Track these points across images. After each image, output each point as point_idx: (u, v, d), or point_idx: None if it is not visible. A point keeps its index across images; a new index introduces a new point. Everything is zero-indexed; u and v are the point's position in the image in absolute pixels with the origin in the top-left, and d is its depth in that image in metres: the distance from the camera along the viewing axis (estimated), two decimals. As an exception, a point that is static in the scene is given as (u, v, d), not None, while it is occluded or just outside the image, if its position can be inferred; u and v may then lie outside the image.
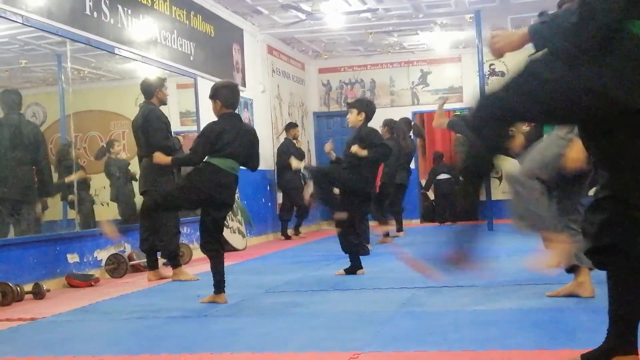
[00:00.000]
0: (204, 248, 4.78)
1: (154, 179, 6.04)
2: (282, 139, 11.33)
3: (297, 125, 11.31)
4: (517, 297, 4.32)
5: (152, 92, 6.19)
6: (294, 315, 4.16)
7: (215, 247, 4.70)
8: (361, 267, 5.87)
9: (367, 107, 6.03)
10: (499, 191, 12.28)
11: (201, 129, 8.64)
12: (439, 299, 4.45)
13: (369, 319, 3.91)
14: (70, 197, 6.75)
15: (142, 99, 6.27)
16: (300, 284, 5.34)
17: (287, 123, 11.41)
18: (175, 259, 6.15)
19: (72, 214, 6.76)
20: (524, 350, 2.97)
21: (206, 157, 4.70)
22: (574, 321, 3.56)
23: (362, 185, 5.91)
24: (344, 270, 5.89)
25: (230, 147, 4.66)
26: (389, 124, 8.84)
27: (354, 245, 5.93)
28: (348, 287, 5.15)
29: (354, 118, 5.97)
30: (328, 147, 6.62)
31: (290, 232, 10.96)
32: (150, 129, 6.00)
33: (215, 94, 4.79)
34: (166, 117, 6.21)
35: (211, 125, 4.76)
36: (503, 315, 3.80)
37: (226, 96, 4.79)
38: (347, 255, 5.92)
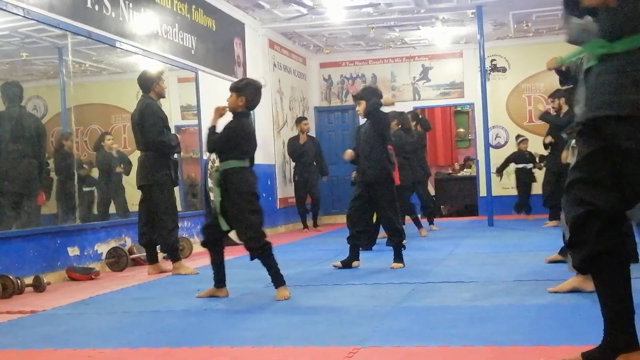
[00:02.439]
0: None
1: (151, 173, 6.04)
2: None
3: (304, 119, 11.68)
4: (517, 293, 4.32)
5: (149, 86, 6.18)
6: (293, 309, 4.16)
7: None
8: (357, 259, 6.00)
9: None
10: (500, 187, 12.30)
11: (199, 122, 8.77)
12: (438, 294, 4.46)
13: (368, 314, 3.91)
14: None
15: (143, 92, 6.26)
16: (300, 279, 5.35)
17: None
18: (175, 253, 6.15)
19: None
20: (523, 346, 2.97)
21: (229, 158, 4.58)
22: (573, 317, 3.56)
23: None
24: (341, 262, 6.00)
25: (252, 150, 4.69)
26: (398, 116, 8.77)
27: (350, 236, 6.02)
28: (348, 282, 5.15)
29: (363, 108, 5.91)
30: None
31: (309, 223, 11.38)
32: (146, 124, 6.00)
33: (243, 89, 4.62)
34: (163, 112, 6.19)
35: (246, 126, 4.68)
36: (503, 311, 3.80)
37: (253, 96, 4.67)
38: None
